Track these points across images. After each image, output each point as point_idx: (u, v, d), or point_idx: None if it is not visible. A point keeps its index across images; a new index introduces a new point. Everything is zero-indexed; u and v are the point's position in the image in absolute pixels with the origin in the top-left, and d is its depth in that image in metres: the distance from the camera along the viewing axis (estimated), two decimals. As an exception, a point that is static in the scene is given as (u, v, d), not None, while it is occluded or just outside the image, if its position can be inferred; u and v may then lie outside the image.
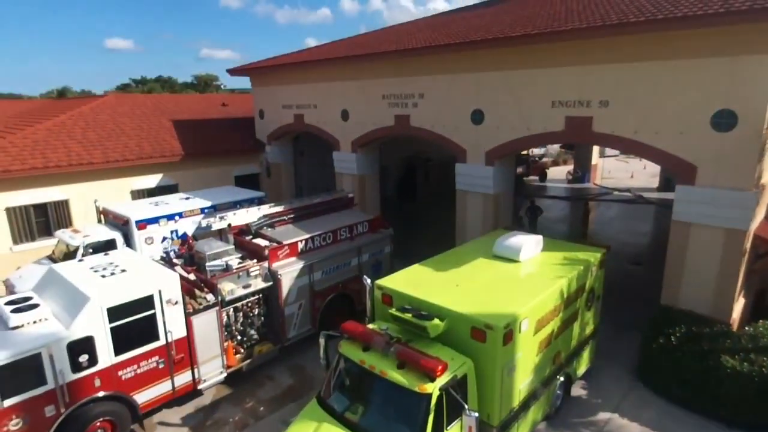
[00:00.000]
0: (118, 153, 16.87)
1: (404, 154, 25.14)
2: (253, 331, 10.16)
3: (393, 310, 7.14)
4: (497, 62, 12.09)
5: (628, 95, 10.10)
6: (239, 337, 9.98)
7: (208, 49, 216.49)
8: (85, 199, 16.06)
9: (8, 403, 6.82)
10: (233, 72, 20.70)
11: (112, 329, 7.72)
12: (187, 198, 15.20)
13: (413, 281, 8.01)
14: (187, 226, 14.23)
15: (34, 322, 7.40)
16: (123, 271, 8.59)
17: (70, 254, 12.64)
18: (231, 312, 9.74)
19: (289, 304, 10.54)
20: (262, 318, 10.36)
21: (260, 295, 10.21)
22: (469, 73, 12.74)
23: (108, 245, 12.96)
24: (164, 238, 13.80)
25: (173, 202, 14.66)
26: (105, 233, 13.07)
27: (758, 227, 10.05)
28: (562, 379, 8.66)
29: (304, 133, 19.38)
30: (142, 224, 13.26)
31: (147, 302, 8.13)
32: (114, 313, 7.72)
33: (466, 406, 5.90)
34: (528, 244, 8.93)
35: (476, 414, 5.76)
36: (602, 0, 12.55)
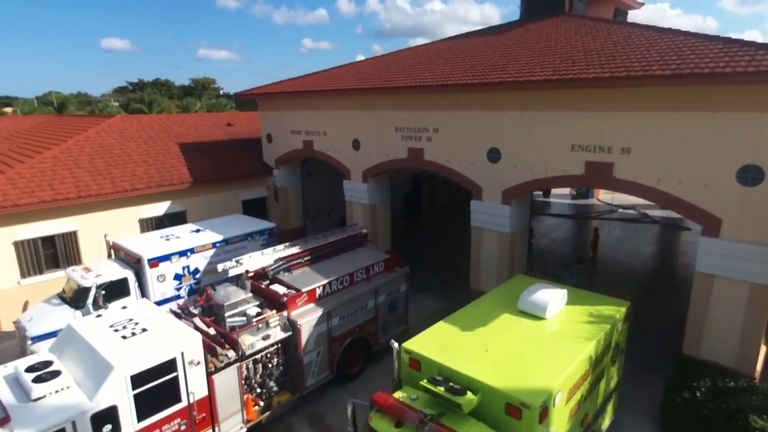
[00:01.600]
0: (126, 182, 16.69)
1: (410, 171, 25.07)
2: (272, 383, 10.01)
3: (424, 382, 7.02)
4: (515, 102, 12.01)
5: (650, 144, 10.03)
6: (258, 390, 9.83)
7: (206, 50, 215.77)
8: (94, 229, 15.88)
9: (31, 480, 6.65)
10: (241, 95, 20.57)
11: (135, 396, 7.57)
12: (198, 230, 15.05)
13: (440, 344, 7.89)
14: (199, 262, 14.11)
15: (57, 391, 7.23)
16: (144, 330, 8.44)
17: (81, 292, 12.49)
18: (250, 365, 9.59)
19: (308, 352, 10.41)
20: (281, 368, 10.22)
21: (279, 345, 10.07)
22: (486, 111, 12.65)
23: (120, 284, 12.84)
24: (176, 275, 13.67)
25: (184, 236, 14.51)
26: (117, 272, 12.91)
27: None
28: (588, 437, 8.56)
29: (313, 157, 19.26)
30: (154, 262, 13.12)
31: (170, 366, 7.98)
32: (137, 380, 7.57)
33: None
34: (554, 300, 8.83)
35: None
36: (618, 38, 12.50)
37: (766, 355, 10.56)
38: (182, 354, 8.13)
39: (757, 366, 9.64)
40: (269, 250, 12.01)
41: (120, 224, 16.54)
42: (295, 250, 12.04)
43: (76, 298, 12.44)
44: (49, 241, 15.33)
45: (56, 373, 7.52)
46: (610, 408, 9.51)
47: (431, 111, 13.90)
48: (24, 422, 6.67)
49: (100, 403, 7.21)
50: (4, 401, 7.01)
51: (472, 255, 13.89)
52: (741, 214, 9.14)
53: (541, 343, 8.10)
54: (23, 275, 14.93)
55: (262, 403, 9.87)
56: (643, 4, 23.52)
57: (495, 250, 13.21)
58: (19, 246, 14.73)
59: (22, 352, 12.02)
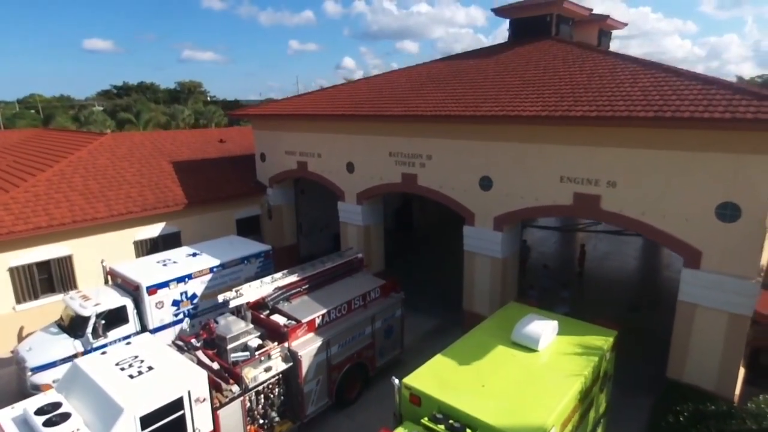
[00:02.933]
0: (121, 205, 16.76)
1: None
2: (273, 413, 10.26)
3: (425, 420, 7.37)
4: (507, 134, 12.45)
5: (635, 179, 10.54)
6: (261, 420, 10.07)
7: (190, 51, 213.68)
8: (88, 253, 15.94)
9: None
10: (234, 115, 20.78)
11: (145, 436, 7.78)
12: (194, 254, 15.20)
13: (439, 379, 8.23)
14: (197, 287, 14.27)
15: (68, 435, 7.42)
16: (150, 368, 8.64)
17: (79, 321, 12.57)
18: (253, 396, 9.84)
19: (308, 381, 10.68)
20: (282, 397, 10.48)
21: (280, 376, 10.33)
22: (478, 141, 13.08)
23: (119, 312, 12.95)
24: (174, 301, 13.82)
25: (181, 261, 14.65)
26: (115, 299, 13.02)
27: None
28: (579, 463, 8.99)
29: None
30: (152, 289, 13.25)
31: (177, 404, 8.21)
32: (146, 420, 7.79)
33: None
34: (545, 332, 9.24)
35: None
36: (604, 70, 13.03)
37: (744, 379, 11.14)
38: (189, 393, 8.36)
39: (735, 390, 10.19)
40: (268, 279, 12.26)
41: (115, 247, 16.61)
42: (293, 278, 12.31)
43: (74, 327, 12.52)
44: (44, 266, 15.34)
45: (66, 416, 7.71)
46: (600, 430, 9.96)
47: (425, 138, 14.29)
48: (37, 469, 6.86)
49: (111, 446, 7.41)
50: (15, 446, 7.19)
51: (465, 278, 14.29)
52: (720, 248, 9.68)
53: (535, 377, 8.49)
54: (18, 301, 14.92)
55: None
56: (626, 24, 24.27)
57: (487, 274, 13.64)
58: (14, 272, 14.73)
59: (20, 382, 12.10)
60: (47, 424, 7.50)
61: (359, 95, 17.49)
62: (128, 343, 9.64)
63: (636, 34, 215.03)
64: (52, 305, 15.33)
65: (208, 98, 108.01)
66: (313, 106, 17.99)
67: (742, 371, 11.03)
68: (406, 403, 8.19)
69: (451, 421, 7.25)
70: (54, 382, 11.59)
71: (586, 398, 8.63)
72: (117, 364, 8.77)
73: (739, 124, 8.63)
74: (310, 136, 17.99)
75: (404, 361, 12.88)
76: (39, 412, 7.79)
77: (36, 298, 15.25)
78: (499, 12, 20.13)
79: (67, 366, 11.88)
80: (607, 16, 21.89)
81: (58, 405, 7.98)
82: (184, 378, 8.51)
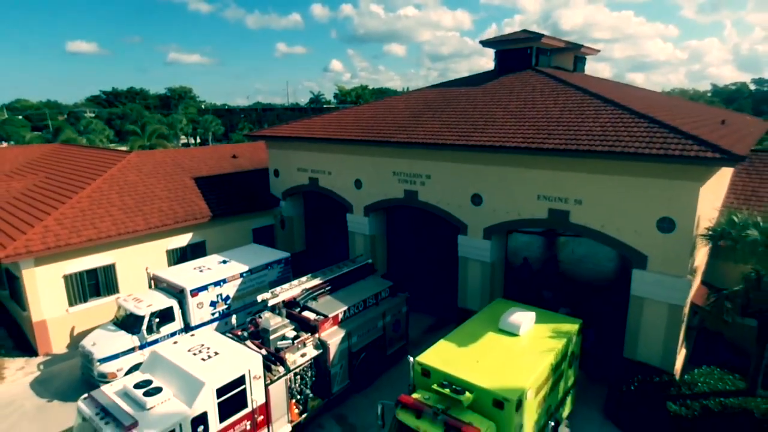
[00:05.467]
0: (156, 218, 18.98)
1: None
2: (308, 390, 12.64)
3: (435, 386, 9.83)
4: (494, 160, 14.99)
5: (596, 198, 13.17)
6: (298, 396, 12.43)
7: (177, 54, 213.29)
8: (129, 261, 18.17)
9: (153, 467, 9.13)
10: (250, 137, 23.07)
11: (219, 404, 10.12)
12: (224, 261, 17.51)
13: (443, 358, 10.70)
14: (230, 290, 16.58)
15: (163, 402, 9.73)
16: (216, 353, 10.98)
17: (135, 320, 14.77)
18: (292, 377, 12.20)
19: (334, 365, 13.08)
20: (313, 378, 12.85)
21: (312, 360, 12.70)
22: (470, 164, 15.61)
23: (167, 312, 15.20)
24: (212, 302, 16.11)
25: (214, 267, 16.95)
26: (163, 301, 15.27)
27: (694, 295, 13.25)
28: (552, 423, 11.51)
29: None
30: (195, 292, 15.56)
31: (241, 380, 10.56)
32: (220, 391, 10.13)
33: (495, 460, 8.64)
34: (525, 321, 11.78)
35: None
36: (573, 104, 15.68)
37: (685, 357, 13.81)
38: (249, 371, 10.72)
39: (676, 365, 12.83)
40: (296, 282, 14.62)
41: (150, 255, 18.82)
42: (317, 281, 14.69)
43: (130, 325, 14.75)
44: (91, 273, 17.50)
45: (159, 389, 10.00)
46: (569, 401, 12.52)
47: (424, 161, 16.79)
48: (147, 425, 9.16)
49: (197, 410, 9.74)
50: (125, 410, 9.48)
51: (459, 280, 16.81)
52: (661, 253, 12.31)
53: (516, 355, 11.02)
54: (71, 304, 17.06)
55: (300, 407, 12.48)
56: (599, 51, 27.11)
57: (478, 276, 16.18)
58: (68, 279, 16.88)
59: (87, 372, 14.31)
60: (146, 394, 9.78)
61: (364, 120, 19.94)
62: (192, 335, 11.95)
63: (619, 38, 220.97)
64: (98, 308, 17.57)
65: (202, 106, 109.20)
66: (323, 130, 20.39)
67: (683, 352, 13.72)
68: (417, 376, 10.64)
69: (453, 386, 9.72)
70: (118, 370, 13.92)
71: (556, 371, 11.18)
72: (189, 351, 11.08)
73: (670, 159, 11.27)
74: (321, 155, 20.38)
75: (409, 351, 15.33)
76: (137, 386, 10.07)
77: (85, 301, 17.40)
78: (486, 43, 22.78)
79: (127, 357, 14.24)
80: (582, 45, 24.68)
81: (149, 381, 10.26)
82: (244, 360, 10.86)
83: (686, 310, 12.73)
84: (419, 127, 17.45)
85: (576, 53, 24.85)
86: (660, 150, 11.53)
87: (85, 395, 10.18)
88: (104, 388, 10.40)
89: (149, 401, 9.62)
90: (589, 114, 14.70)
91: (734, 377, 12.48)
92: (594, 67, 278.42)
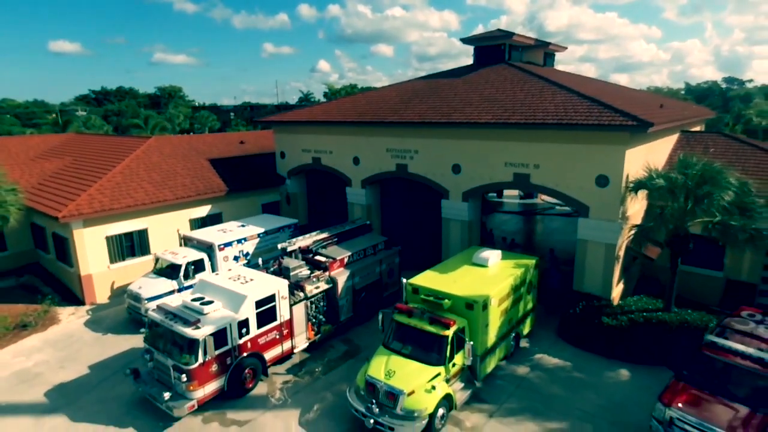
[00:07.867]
0: (180, 191, 21.90)
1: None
2: (321, 316, 15.74)
3: (422, 296, 13.02)
4: (470, 134, 18.26)
5: (549, 162, 16.50)
6: (313, 320, 15.52)
7: (162, 54, 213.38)
8: (159, 226, 21.07)
9: (211, 355, 12.15)
10: (258, 122, 26.07)
11: (256, 313, 13.17)
12: (243, 225, 20.53)
13: (428, 280, 13.88)
14: (249, 247, 19.61)
15: (215, 310, 12.75)
16: (251, 279, 14.03)
17: (173, 268, 17.73)
18: (309, 303, 15.28)
19: (341, 298, 16.20)
20: (325, 307, 15.95)
21: (324, 293, 15.79)
22: (451, 139, 18.86)
23: (199, 263, 18.18)
24: (235, 257, 19.12)
25: (235, 229, 19.97)
26: (196, 254, 18.25)
27: (630, 241, 16.61)
28: (514, 334, 14.76)
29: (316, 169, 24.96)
30: (221, 247, 18.57)
31: (272, 297, 13.62)
32: (258, 304, 13.18)
33: (466, 340, 11.86)
34: (492, 257, 15.04)
35: (471, 342, 11.74)
36: (535, 91, 19.03)
37: (623, 290, 17.22)
38: (278, 291, 13.79)
39: (613, 293, 16.21)
40: (308, 235, 17.70)
41: (176, 223, 21.73)
42: (325, 235, 17.79)
43: (169, 273, 17.73)
44: (128, 236, 20.37)
45: (211, 302, 13.01)
46: (528, 321, 15.79)
47: (412, 138, 20.00)
48: (205, 324, 12.19)
49: (242, 315, 12.79)
50: (186, 315, 12.48)
51: (442, 237, 20.07)
52: (599, 204, 15.66)
53: (485, 279, 14.25)
54: (111, 261, 19.92)
55: (315, 329, 15.57)
56: (566, 48, 30.60)
57: (458, 232, 19.44)
58: (109, 240, 19.74)
59: (134, 311, 17.23)
60: (203, 304, 12.79)
61: (361, 106, 23.09)
62: (230, 269, 14.96)
63: (603, 39, 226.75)
64: (133, 266, 20.45)
65: (196, 104, 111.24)
66: (324, 115, 23.49)
67: (621, 286, 17.12)
68: (409, 294, 13.81)
69: (436, 296, 12.91)
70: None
71: (516, 291, 14.45)
72: (230, 278, 14.11)
73: (600, 128, 14.63)
74: (323, 137, 23.47)
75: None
76: (195, 300, 13.07)
77: (123, 259, 20.27)
78: (466, 41, 26.11)
79: (168, 298, 17.18)
80: (549, 43, 28.14)
81: (202, 297, 13.27)
82: (274, 283, 13.93)
83: (621, 251, 16.11)
84: (408, 110, 20.65)
85: (545, 50, 28.31)
86: (595, 121, 14.88)
87: (154, 306, 13.17)
88: (166, 301, 13.39)
89: (206, 308, 12.63)
90: (546, 97, 18.04)
91: (657, 301, 15.89)
92: (579, 68, 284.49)
